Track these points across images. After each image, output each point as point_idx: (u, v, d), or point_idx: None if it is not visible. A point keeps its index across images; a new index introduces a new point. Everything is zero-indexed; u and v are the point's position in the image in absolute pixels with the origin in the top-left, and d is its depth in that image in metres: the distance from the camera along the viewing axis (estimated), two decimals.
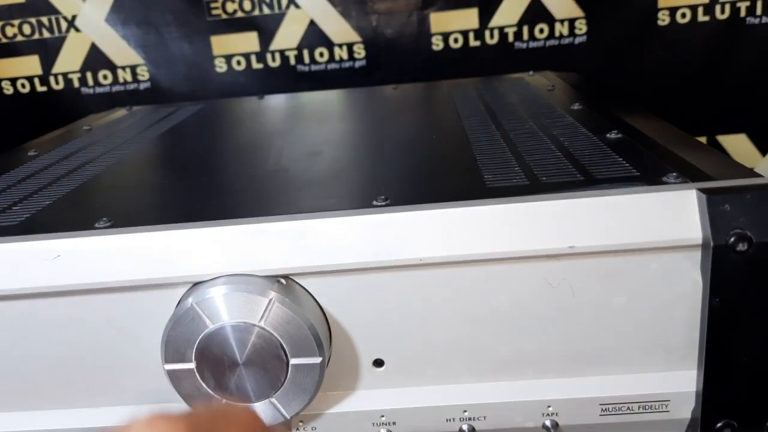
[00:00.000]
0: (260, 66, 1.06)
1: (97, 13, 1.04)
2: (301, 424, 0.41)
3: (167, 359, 0.37)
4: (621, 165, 0.42)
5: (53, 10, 1.04)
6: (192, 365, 0.37)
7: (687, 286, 0.37)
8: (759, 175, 0.38)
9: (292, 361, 0.37)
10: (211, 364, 0.37)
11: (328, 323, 0.39)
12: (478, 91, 0.74)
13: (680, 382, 0.38)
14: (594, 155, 0.45)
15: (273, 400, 0.38)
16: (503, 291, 0.38)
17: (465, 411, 0.40)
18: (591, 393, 0.39)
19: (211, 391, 0.38)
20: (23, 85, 1.08)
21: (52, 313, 0.38)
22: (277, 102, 0.84)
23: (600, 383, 0.39)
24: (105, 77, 1.08)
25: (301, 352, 0.37)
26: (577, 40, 1.05)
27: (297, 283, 0.38)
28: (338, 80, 1.04)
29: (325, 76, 1.05)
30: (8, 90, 1.08)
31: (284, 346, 0.37)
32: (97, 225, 0.39)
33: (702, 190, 0.36)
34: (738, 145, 1.09)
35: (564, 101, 0.63)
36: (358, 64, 1.05)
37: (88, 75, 1.08)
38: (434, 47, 1.04)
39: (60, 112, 1.07)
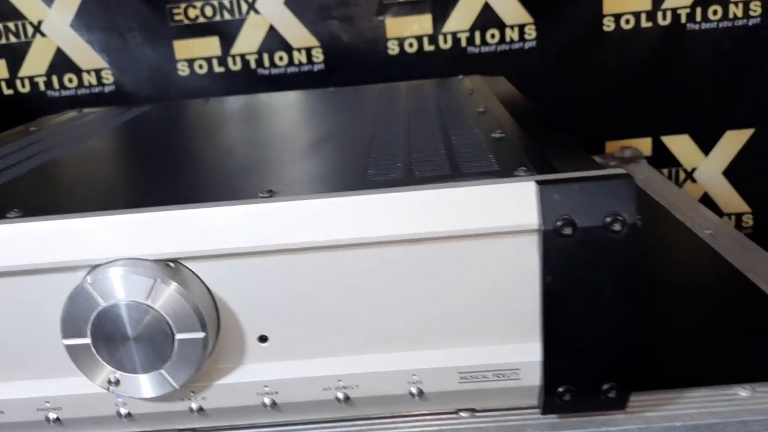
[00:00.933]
0: (222, 69, 1.10)
1: (63, 19, 1.08)
2: (192, 394, 0.45)
3: (65, 335, 0.42)
4: (489, 161, 0.47)
5: (20, 16, 1.08)
6: (88, 340, 0.42)
7: (532, 267, 0.41)
8: (601, 167, 0.42)
9: (178, 336, 0.41)
10: (104, 339, 0.41)
11: (215, 303, 0.43)
12: (407, 94, 0.79)
13: (529, 353, 0.43)
14: (472, 153, 0.50)
15: (162, 371, 0.42)
16: (372, 273, 0.43)
17: (340, 381, 0.44)
18: (450, 363, 0.44)
19: (106, 364, 0.42)
20: None
21: None
22: (220, 104, 0.88)
23: (459, 354, 0.44)
24: (70, 80, 1.12)
25: (186, 327, 0.41)
26: (527, 45, 1.10)
27: (185, 266, 0.42)
28: (298, 83, 1.09)
29: (285, 79, 1.10)
30: None
31: (170, 322, 0.41)
32: (8, 215, 0.44)
33: (538, 182, 0.40)
34: (682, 146, 1.15)
35: (475, 104, 0.68)
36: (316, 67, 1.10)
37: (54, 78, 1.12)
38: (390, 52, 1.09)
39: (27, 115, 1.10)
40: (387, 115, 0.67)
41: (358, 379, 0.44)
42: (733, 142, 1.13)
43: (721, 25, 1.07)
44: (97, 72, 1.12)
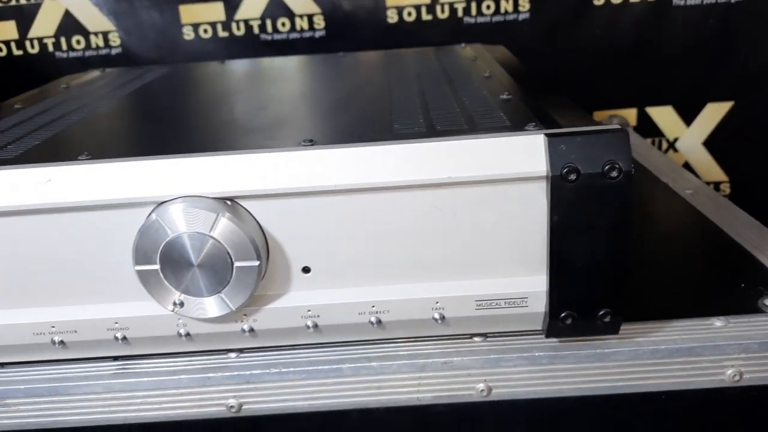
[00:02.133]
0: (226, 34, 1.14)
1: None
2: (245, 317, 0.51)
3: (137, 262, 0.48)
4: (500, 118, 0.54)
5: None
6: (157, 267, 0.48)
7: (540, 209, 0.48)
8: (598, 124, 0.49)
9: (236, 263, 0.48)
10: (171, 265, 0.48)
11: (265, 237, 0.50)
12: (414, 59, 0.85)
13: (535, 284, 0.50)
14: (484, 111, 0.56)
15: (222, 295, 0.49)
16: (402, 212, 0.49)
17: (373, 306, 0.51)
18: (468, 292, 0.51)
19: (172, 288, 0.48)
20: (0, 49, 1.14)
21: (48, 226, 0.48)
22: (236, 66, 0.93)
23: (475, 285, 0.51)
24: (78, 42, 1.16)
25: (243, 256, 0.48)
26: (521, 16, 1.15)
27: (240, 204, 0.49)
28: (299, 49, 1.13)
29: (286, 45, 1.14)
30: None
31: (229, 251, 0.47)
32: (79, 157, 0.49)
33: (547, 135, 0.47)
34: (665, 116, 1.21)
35: (480, 70, 0.74)
36: (317, 34, 1.15)
37: (62, 40, 1.15)
38: (389, 20, 1.14)
39: (35, 75, 1.14)
40: (400, 78, 0.73)
41: (389, 305, 0.51)
42: (713, 113, 1.19)
43: (705, 1, 1.13)
44: (105, 35, 1.16)
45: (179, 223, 0.47)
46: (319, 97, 0.69)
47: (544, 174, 0.47)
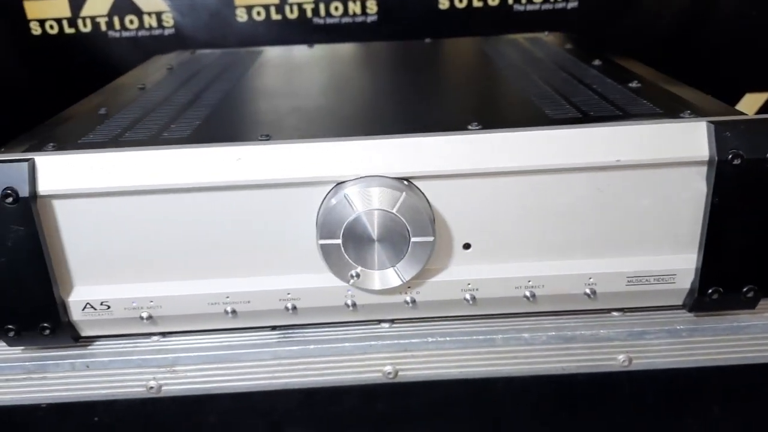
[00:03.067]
0: (279, 17, 1.15)
1: None
2: (409, 289, 0.54)
3: (321, 236, 0.50)
4: (646, 105, 0.57)
5: None
6: (339, 241, 0.50)
7: (695, 192, 0.51)
8: (744, 114, 0.53)
9: (413, 239, 0.51)
10: (353, 240, 0.50)
11: (433, 215, 0.52)
12: (503, 46, 0.88)
13: (684, 262, 0.54)
14: (624, 98, 0.59)
15: (396, 268, 0.52)
16: (563, 193, 0.52)
17: (529, 281, 0.54)
18: (620, 269, 0.54)
19: (351, 261, 0.51)
20: (51, 27, 1.15)
21: (234, 202, 0.51)
22: (331, 51, 0.95)
23: (627, 262, 0.54)
24: (131, 22, 1.16)
25: (420, 232, 0.51)
26: (570, 4, 1.17)
27: (413, 184, 0.51)
28: (351, 34, 1.15)
29: (339, 29, 1.16)
30: (36, 31, 1.15)
31: (408, 227, 0.50)
32: (259, 138, 0.52)
33: (710, 122, 0.50)
34: None
35: (583, 57, 0.77)
36: (370, 19, 1.16)
37: (116, 19, 1.15)
38: (441, 6, 1.15)
39: (87, 54, 1.15)
40: (505, 65, 0.76)
41: (544, 281, 0.54)
42: (751, 104, 1.23)
43: None
44: (158, 15, 1.16)
45: (365, 200, 0.50)
46: (444, 82, 0.71)
47: (706, 158, 0.50)
